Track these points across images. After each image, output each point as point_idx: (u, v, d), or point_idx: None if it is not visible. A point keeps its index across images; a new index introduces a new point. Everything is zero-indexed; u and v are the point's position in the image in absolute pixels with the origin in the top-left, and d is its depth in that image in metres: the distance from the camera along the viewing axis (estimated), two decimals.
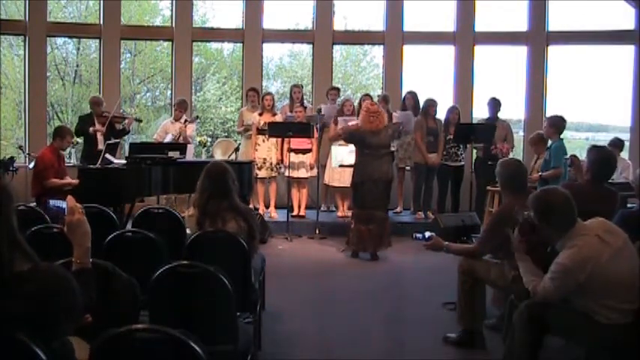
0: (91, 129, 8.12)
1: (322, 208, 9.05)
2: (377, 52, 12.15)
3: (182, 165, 6.98)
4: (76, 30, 11.12)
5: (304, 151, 8.67)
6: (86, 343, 2.02)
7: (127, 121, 8.57)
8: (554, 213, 3.24)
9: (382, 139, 6.90)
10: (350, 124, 7.65)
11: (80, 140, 8.74)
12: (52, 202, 6.55)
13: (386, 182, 6.97)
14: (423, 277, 6.36)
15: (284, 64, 14.03)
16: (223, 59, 14.46)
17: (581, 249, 3.13)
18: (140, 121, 9.96)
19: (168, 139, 8.39)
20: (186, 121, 8.65)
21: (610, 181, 5.03)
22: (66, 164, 7.56)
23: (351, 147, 7.30)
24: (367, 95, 9.05)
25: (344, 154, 8.12)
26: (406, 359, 4.29)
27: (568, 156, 5.65)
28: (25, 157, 9.12)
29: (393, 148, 8.76)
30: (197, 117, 9.51)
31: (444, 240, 4.44)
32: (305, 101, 9.49)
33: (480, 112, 10.04)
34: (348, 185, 7.44)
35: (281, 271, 6.15)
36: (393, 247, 7.07)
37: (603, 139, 10.68)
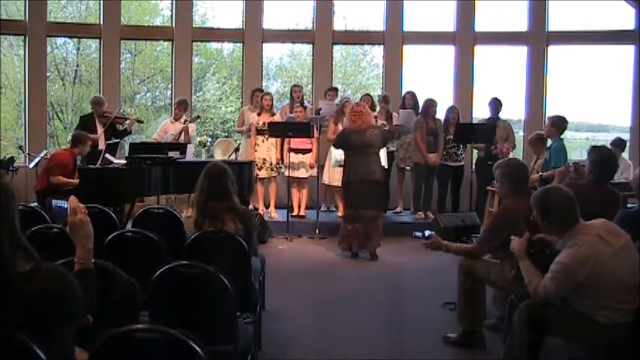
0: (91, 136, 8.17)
1: (322, 208, 9.05)
2: (377, 52, 12.14)
3: (182, 165, 6.98)
4: (76, 30, 11.11)
5: (304, 151, 8.67)
6: (85, 352, 2.02)
7: (128, 121, 8.59)
8: (555, 212, 3.24)
9: (367, 139, 6.88)
10: None
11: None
12: (54, 201, 6.56)
13: (374, 182, 6.92)
14: (423, 277, 6.36)
15: (284, 64, 14.02)
16: (223, 59, 14.45)
17: (581, 248, 3.14)
18: (141, 122, 9.97)
19: (169, 139, 8.38)
20: (186, 120, 8.65)
21: (610, 181, 5.03)
22: None
23: None
24: (367, 95, 9.05)
25: (343, 154, 8.12)
26: (406, 359, 4.29)
27: (572, 163, 5.65)
28: (25, 157, 9.12)
29: (392, 148, 8.79)
30: (198, 116, 9.51)
31: (444, 240, 4.44)
32: (305, 101, 9.49)
33: (480, 112, 10.05)
34: None
35: (281, 271, 6.15)
36: (393, 247, 7.07)
37: (603, 139, 10.69)
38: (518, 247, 3.51)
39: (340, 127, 8.35)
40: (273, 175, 8.78)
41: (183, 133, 8.50)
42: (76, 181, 6.82)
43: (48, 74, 10.88)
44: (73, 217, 2.21)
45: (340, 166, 8.15)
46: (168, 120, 8.97)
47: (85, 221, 2.22)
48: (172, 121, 8.82)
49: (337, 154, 8.34)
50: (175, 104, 9.01)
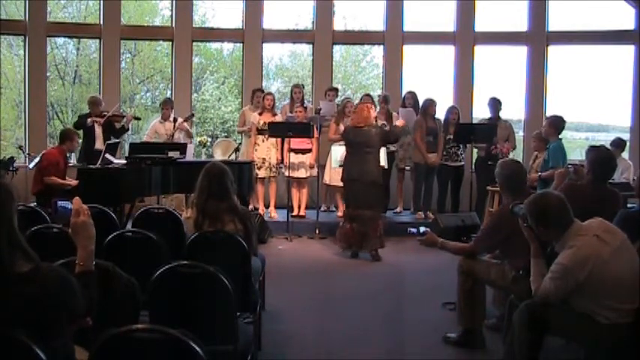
0: (88, 120, 8.20)
1: (322, 208, 9.05)
2: (377, 52, 12.15)
3: (182, 165, 6.98)
4: (76, 30, 11.12)
5: (304, 151, 8.67)
6: (85, 350, 2.02)
7: (125, 119, 8.59)
8: (550, 215, 3.25)
9: (365, 138, 6.89)
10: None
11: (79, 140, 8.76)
12: (60, 202, 6.54)
13: (371, 182, 6.90)
14: (423, 277, 6.36)
15: (284, 64, 14.03)
16: (223, 59, 14.45)
17: (579, 249, 3.14)
18: (139, 119, 9.95)
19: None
20: (176, 119, 8.62)
21: (610, 181, 5.03)
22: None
23: None
24: (367, 95, 9.04)
25: (343, 153, 8.11)
26: (406, 359, 4.29)
27: (572, 166, 5.64)
28: (25, 157, 9.12)
29: (392, 148, 8.78)
30: (192, 114, 9.49)
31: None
32: (305, 101, 9.49)
33: (480, 112, 10.05)
34: None
35: (281, 271, 6.14)
36: (393, 247, 7.06)
37: (603, 139, 10.68)
38: (535, 246, 3.46)
39: (342, 127, 8.35)
40: (272, 175, 8.77)
41: (178, 132, 8.51)
42: (73, 182, 6.82)
43: (48, 74, 10.88)
44: (75, 219, 2.22)
45: (342, 166, 8.17)
46: (157, 120, 8.95)
47: (88, 223, 2.22)
48: (161, 121, 8.80)
49: (339, 155, 8.34)
50: (161, 104, 9.00)
